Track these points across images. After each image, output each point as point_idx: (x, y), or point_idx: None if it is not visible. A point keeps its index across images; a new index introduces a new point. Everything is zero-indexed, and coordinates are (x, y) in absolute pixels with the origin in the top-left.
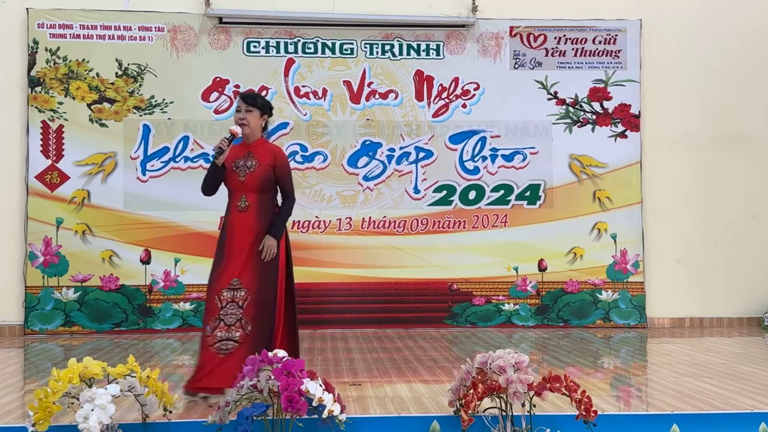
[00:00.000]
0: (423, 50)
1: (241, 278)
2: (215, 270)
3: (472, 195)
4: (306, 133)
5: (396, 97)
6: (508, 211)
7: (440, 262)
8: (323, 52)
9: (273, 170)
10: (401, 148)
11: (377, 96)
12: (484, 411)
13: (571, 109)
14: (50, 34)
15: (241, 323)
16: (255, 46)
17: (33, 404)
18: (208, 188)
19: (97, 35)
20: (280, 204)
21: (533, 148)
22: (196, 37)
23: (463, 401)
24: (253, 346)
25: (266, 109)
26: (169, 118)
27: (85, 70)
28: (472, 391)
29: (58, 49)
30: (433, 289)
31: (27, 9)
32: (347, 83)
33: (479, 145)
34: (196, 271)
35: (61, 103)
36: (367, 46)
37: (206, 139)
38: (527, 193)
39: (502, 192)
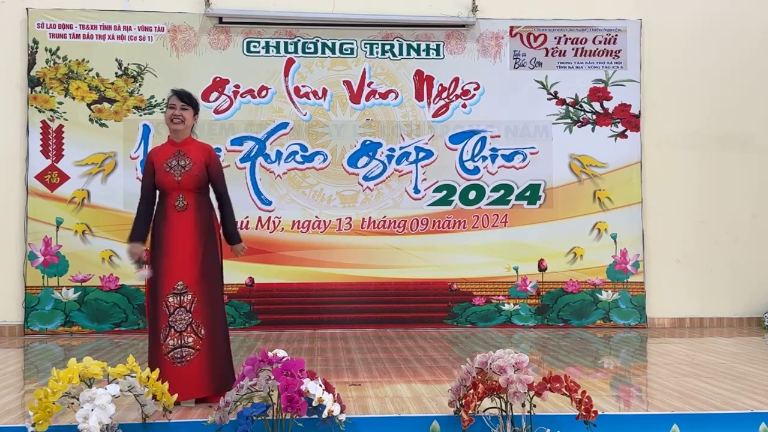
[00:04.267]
0: (423, 50)
1: (185, 281)
2: (156, 273)
3: (472, 195)
4: (306, 133)
5: (396, 97)
6: (508, 211)
7: (440, 262)
8: (323, 52)
9: (207, 169)
10: (401, 148)
11: (377, 96)
12: (484, 411)
13: (571, 109)
14: (50, 34)
15: (192, 328)
16: (255, 46)
17: (33, 404)
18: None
19: (97, 35)
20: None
21: (533, 148)
22: (196, 37)
23: (463, 401)
24: (211, 350)
25: (197, 108)
26: None
27: (85, 70)
28: (472, 391)
29: (58, 49)
30: (433, 289)
31: (27, 9)
32: (347, 83)
33: (479, 145)
34: None
35: (61, 103)
36: (367, 46)
37: (205, 139)
38: (527, 193)
39: (502, 192)
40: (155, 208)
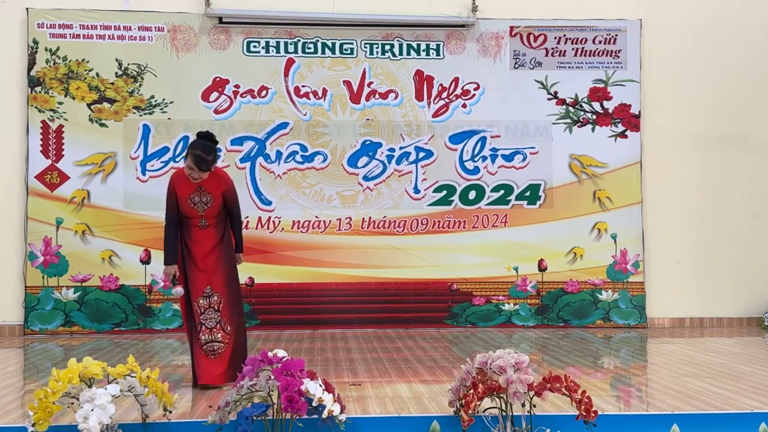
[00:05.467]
0: (423, 50)
1: (213, 285)
2: (187, 280)
3: (472, 195)
4: (306, 133)
5: (396, 97)
6: (508, 211)
7: (440, 262)
8: (323, 52)
9: (223, 196)
10: (401, 148)
11: (377, 96)
12: (484, 411)
13: (571, 109)
14: (50, 34)
15: (220, 325)
16: (255, 46)
17: (33, 404)
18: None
19: (97, 35)
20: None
21: (533, 148)
22: (196, 37)
23: (463, 401)
24: (235, 343)
25: (217, 158)
26: (169, 118)
27: (85, 70)
28: (472, 391)
29: (58, 49)
30: (433, 289)
31: (27, 9)
32: (347, 83)
33: (479, 145)
34: None
35: (61, 103)
36: (367, 46)
37: None
38: (527, 193)
39: (502, 192)
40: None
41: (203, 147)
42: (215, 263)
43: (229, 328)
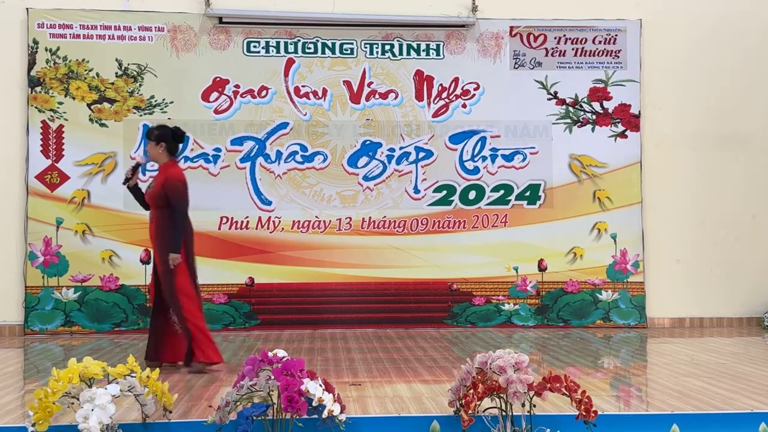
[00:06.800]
0: (423, 50)
1: (158, 275)
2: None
3: (472, 195)
4: (306, 133)
5: (396, 97)
6: (508, 211)
7: (440, 262)
8: (323, 52)
9: (163, 189)
10: (401, 148)
11: (377, 96)
12: (484, 411)
13: (571, 109)
14: (50, 34)
15: (171, 311)
16: (255, 46)
17: (33, 404)
18: (141, 205)
19: (97, 35)
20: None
21: (533, 148)
22: (196, 37)
23: (463, 401)
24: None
25: (162, 138)
26: (169, 118)
27: (85, 70)
28: (472, 391)
29: (58, 49)
30: (433, 289)
31: (27, 9)
32: (347, 83)
33: (479, 145)
34: None
35: (61, 103)
36: (367, 46)
37: (206, 138)
38: (527, 193)
39: (502, 192)
40: None
41: (157, 125)
42: (156, 255)
43: (174, 317)
